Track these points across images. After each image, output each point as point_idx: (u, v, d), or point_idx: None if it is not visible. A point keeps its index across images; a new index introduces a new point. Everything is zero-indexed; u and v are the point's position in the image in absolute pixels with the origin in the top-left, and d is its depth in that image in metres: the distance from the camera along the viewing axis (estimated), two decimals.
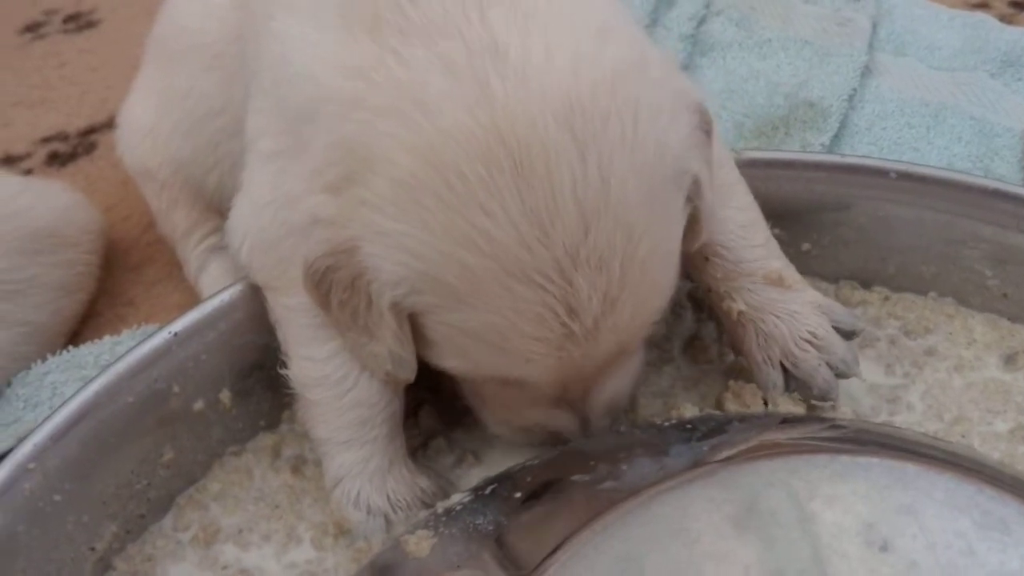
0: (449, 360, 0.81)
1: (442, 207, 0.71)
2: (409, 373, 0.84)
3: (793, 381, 0.92)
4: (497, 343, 0.76)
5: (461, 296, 0.74)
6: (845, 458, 0.70)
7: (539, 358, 0.77)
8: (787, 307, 0.93)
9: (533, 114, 0.71)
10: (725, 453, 0.75)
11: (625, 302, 0.76)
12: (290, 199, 0.83)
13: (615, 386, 0.85)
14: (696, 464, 0.74)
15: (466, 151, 0.71)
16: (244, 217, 0.92)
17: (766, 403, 0.93)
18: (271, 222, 0.87)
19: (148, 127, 1.22)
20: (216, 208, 1.20)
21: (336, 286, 0.79)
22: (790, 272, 0.95)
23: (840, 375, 0.92)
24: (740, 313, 0.93)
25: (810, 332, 0.92)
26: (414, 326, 0.80)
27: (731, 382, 0.95)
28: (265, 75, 0.90)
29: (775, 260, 0.95)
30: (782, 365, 0.92)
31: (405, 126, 0.73)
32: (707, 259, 0.93)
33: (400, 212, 0.73)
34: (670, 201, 0.79)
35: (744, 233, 0.94)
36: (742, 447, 0.76)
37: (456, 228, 0.71)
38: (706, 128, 0.84)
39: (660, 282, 0.80)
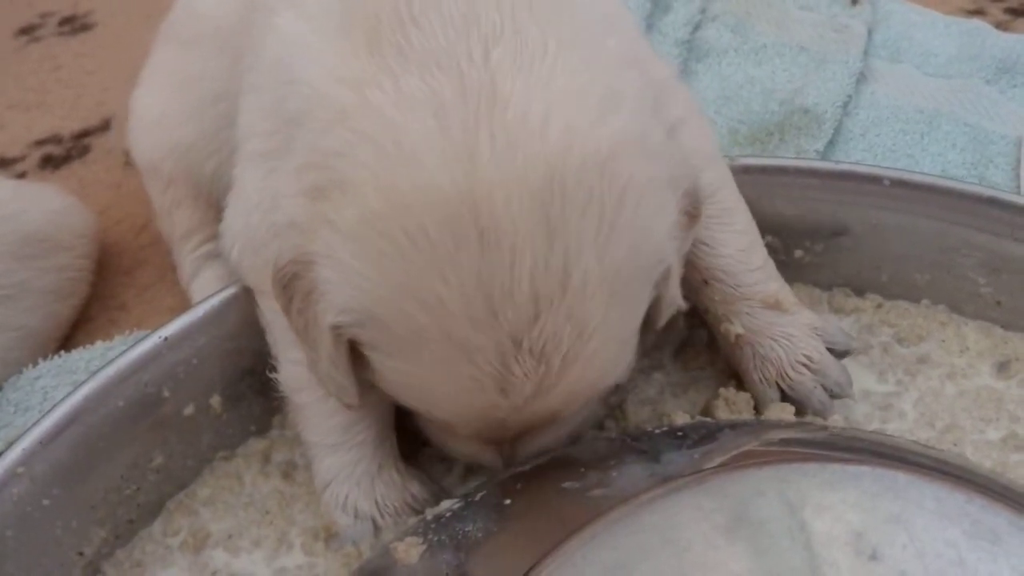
0: (382, 385, 0.80)
1: (401, 259, 0.69)
2: (350, 399, 0.83)
3: (789, 400, 0.93)
4: (426, 393, 0.76)
5: (400, 344, 0.73)
6: (835, 466, 0.70)
7: (462, 415, 0.77)
8: (784, 330, 0.93)
9: (511, 188, 0.68)
10: (716, 460, 0.75)
11: (561, 391, 0.75)
12: (276, 201, 0.82)
13: (545, 440, 0.84)
14: (687, 472, 0.73)
15: (435, 211, 0.68)
16: (235, 219, 0.92)
17: (757, 411, 0.93)
18: (259, 223, 0.86)
19: (157, 115, 1.22)
20: (216, 208, 1.19)
21: (297, 294, 0.78)
22: (786, 294, 0.95)
23: (834, 396, 0.93)
24: (738, 336, 0.94)
25: (806, 356, 0.92)
26: (354, 347, 0.78)
27: (722, 389, 0.95)
28: (262, 73, 0.89)
29: (772, 282, 0.95)
30: (778, 386, 0.93)
31: (382, 165, 0.71)
32: (706, 282, 0.93)
33: (359, 249, 0.71)
34: (635, 294, 0.77)
35: (743, 257, 0.94)
36: (733, 454, 0.76)
37: (410, 284, 0.70)
38: (693, 212, 0.82)
39: (604, 372, 0.78)
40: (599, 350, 0.74)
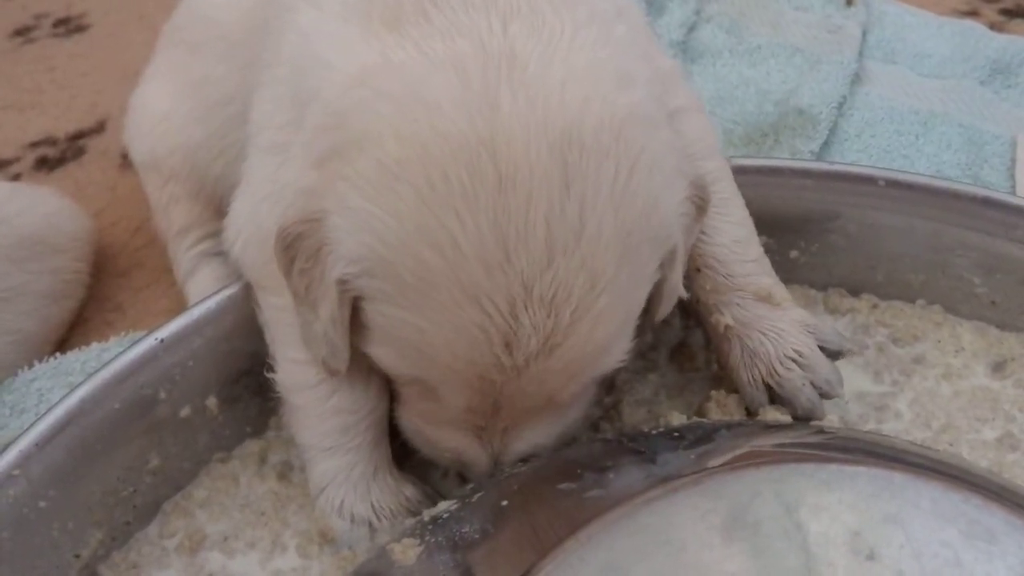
0: (377, 349, 0.80)
1: (418, 201, 0.70)
2: (340, 363, 0.83)
3: (777, 398, 0.92)
4: (426, 349, 0.75)
5: (409, 293, 0.73)
6: (832, 467, 0.70)
7: (461, 377, 0.76)
8: (774, 325, 0.92)
9: (530, 135, 0.70)
10: (713, 461, 0.75)
11: (565, 352, 0.74)
12: (285, 187, 0.82)
13: (535, 437, 0.83)
14: (683, 472, 0.73)
15: (455, 154, 0.70)
16: (242, 211, 0.92)
17: (749, 412, 0.93)
18: (267, 215, 0.86)
19: (163, 113, 1.22)
20: (215, 207, 1.20)
21: (301, 254, 0.78)
22: (779, 290, 0.95)
23: (824, 395, 0.91)
24: (727, 327, 0.93)
25: (795, 351, 0.91)
26: (354, 310, 0.78)
27: (714, 392, 0.94)
28: (282, 66, 0.89)
29: (766, 277, 0.95)
30: (766, 383, 0.91)
31: (402, 114, 0.72)
32: (699, 270, 0.93)
33: (376, 194, 0.72)
34: (644, 262, 0.78)
35: (737, 248, 0.93)
36: (729, 455, 0.76)
37: (425, 225, 0.70)
38: (700, 204, 0.83)
39: (608, 344, 0.78)
40: (606, 311, 0.74)
